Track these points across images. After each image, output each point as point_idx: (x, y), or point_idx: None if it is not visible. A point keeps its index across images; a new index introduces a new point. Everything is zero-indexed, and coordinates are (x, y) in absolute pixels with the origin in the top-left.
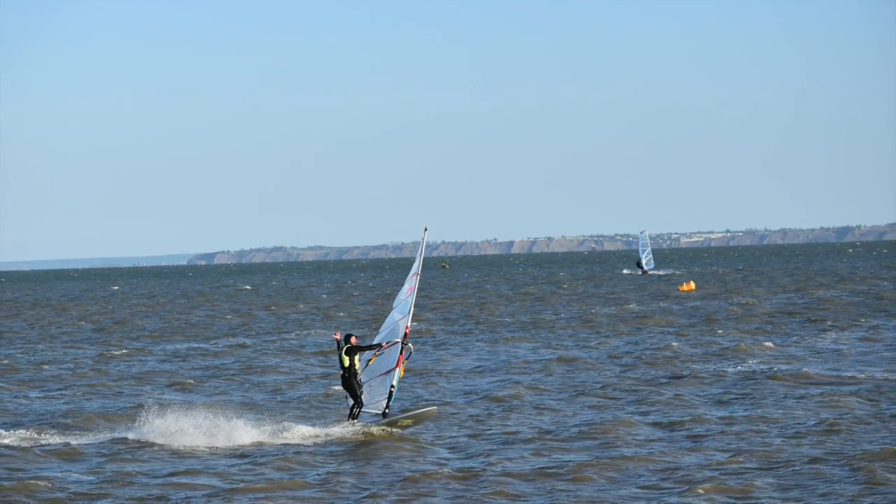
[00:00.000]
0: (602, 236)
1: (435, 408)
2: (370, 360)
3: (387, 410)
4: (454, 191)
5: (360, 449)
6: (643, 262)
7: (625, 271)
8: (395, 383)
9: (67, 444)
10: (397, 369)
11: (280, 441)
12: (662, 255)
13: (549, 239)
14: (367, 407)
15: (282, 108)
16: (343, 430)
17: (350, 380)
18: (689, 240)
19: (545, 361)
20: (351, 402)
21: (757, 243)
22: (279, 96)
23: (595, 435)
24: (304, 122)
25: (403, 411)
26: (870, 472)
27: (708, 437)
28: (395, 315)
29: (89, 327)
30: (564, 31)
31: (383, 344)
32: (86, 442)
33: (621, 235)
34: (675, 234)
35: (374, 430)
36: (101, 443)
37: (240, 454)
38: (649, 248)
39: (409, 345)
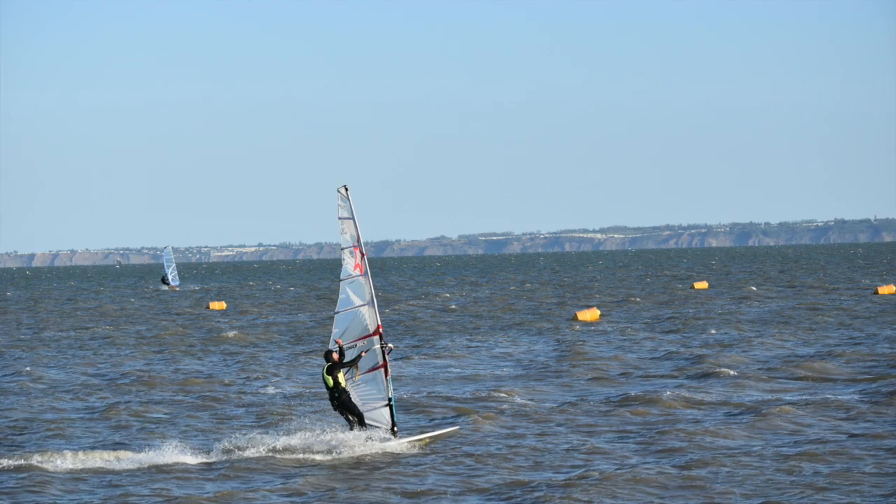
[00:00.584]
0: (128, 249)
1: (457, 427)
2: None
3: (395, 428)
4: None
5: (362, 467)
6: (169, 277)
7: (155, 287)
8: (391, 395)
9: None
10: (387, 377)
11: (286, 455)
12: (190, 269)
13: (73, 252)
14: (367, 414)
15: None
16: (357, 443)
17: (342, 397)
18: (220, 253)
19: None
20: (350, 418)
21: (293, 257)
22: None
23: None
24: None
25: (422, 430)
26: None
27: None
28: (352, 298)
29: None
30: None
31: (362, 354)
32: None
33: (148, 249)
34: (206, 247)
35: (388, 447)
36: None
37: (240, 468)
38: (174, 264)
39: (389, 344)
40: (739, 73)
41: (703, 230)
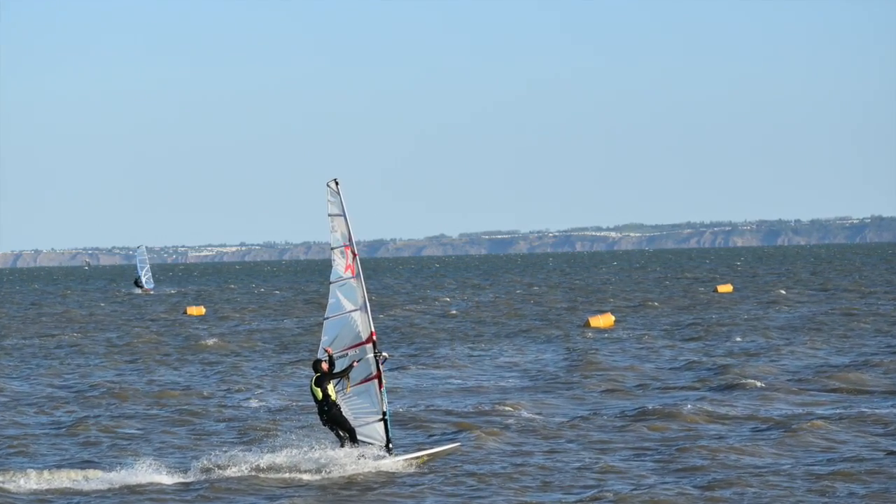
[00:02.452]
0: (98, 249)
1: (458, 444)
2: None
3: (390, 445)
4: None
5: (354, 487)
6: (142, 279)
7: (127, 290)
8: (385, 409)
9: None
10: (381, 389)
11: (271, 475)
12: (165, 270)
13: (37, 252)
14: (360, 430)
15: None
16: (348, 461)
17: (331, 411)
18: (198, 254)
19: None
20: (341, 433)
21: (278, 258)
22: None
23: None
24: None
25: (419, 447)
26: None
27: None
28: (343, 303)
29: None
30: None
31: (354, 363)
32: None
33: (119, 248)
34: (183, 246)
35: (382, 465)
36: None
37: (220, 488)
38: (148, 265)
39: (384, 353)
40: (767, 58)
41: (727, 228)
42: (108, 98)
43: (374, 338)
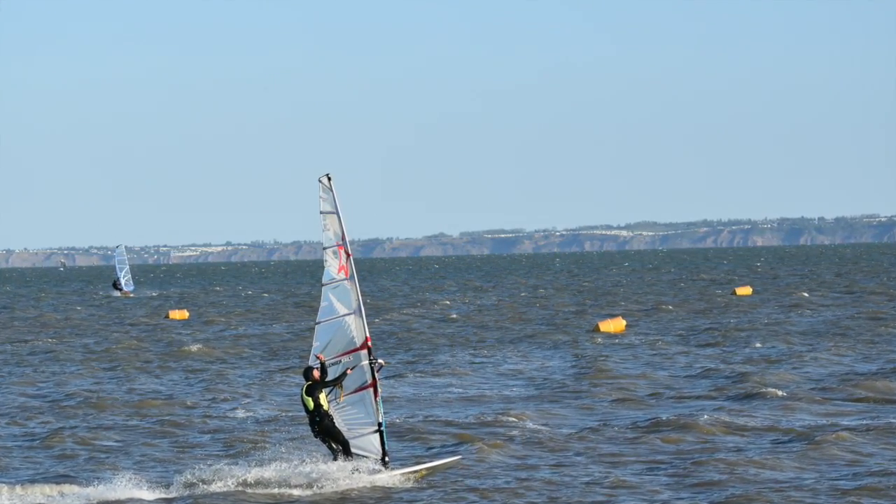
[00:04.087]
0: (74, 249)
1: (459, 457)
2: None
3: (386, 458)
4: None
5: (348, 503)
6: (122, 281)
7: (106, 292)
8: (381, 420)
9: None
10: (376, 398)
11: (259, 489)
12: (147, 272)
13: (9, 252)
14: (354, 442)
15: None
16: (342, 475)
17: (324, 422)
18: (181, 254)
19: None
20: (334, 446)
21: (266, 258)
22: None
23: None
24: None
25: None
26: None
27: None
28: (336, 306)
29: None
30: None
31: (348, 371)
32: None
33: (97, 248)
34: (165, 246)
35: (378, 480)
36: None
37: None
38: (127, 266)
39: (380, 360)
40: (788, 47)
41: (746, 226)
42: (85, 88)
43: (370, 344)
